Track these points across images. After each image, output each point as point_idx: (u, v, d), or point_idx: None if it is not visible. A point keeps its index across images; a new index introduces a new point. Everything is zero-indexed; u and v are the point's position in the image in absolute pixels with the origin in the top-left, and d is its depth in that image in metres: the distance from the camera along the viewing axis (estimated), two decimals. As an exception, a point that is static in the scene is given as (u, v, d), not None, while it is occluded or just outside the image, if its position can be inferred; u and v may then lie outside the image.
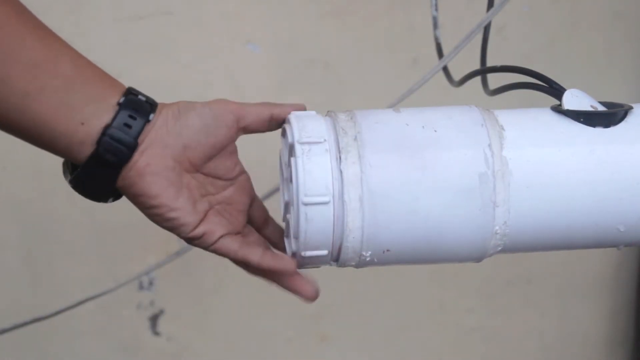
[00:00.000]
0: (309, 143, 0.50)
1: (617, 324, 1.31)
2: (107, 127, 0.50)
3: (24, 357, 1.19)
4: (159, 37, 1.08)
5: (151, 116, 0.52)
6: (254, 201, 0.57)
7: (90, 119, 0.50)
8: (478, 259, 0.53)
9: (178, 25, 1.08)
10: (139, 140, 0.51)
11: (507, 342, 1.29)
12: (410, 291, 1.24)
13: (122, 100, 0.51)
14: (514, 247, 0.53)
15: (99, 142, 0.50)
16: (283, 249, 0.56)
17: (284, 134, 0.54)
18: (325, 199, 0.49)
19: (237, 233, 0.55)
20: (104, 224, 1.13)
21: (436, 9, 0.76)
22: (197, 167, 0.53)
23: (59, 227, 1.13)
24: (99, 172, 0.51)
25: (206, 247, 0.54)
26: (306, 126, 0.51)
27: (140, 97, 0.52)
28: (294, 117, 0.52)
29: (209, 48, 1.10)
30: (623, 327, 1.31)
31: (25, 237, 1.14)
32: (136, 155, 0.51)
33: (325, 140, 0.50)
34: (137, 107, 0.51)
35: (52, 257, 1.15)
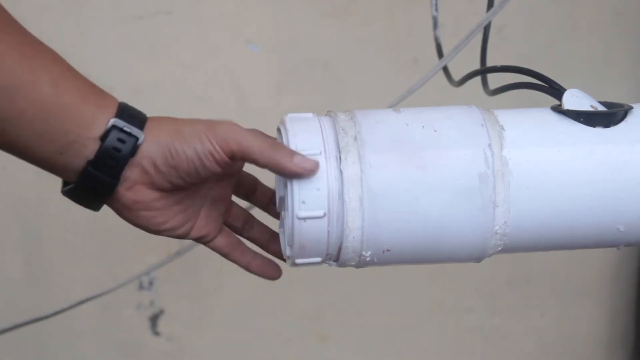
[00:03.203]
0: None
1: (617, 324, 1.31)
2: (89, 162, 0.49)
3: (24, 357, 1.19)
4: (158, 37, 1.08)
5: (140, 141, 0.49)
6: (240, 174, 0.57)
7: (68, 150, 0.48)
8: (478, 258, 0.53)
9: (178, 25, 1.08)
10: (124, 175, 0.50)
11: (507, 342, 1.29)
12: (410, 291, 1.24)
13: (104, 132, 0.48)
14: (514, 247, 0.53)
15: (81, 175, 0.49)
16: (272, 250, 0.58)
17: (279, 130, 0.54)
18: (320, 213, 0.49)
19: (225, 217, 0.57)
20: (104, 223, 1.13)
21: (436, 9, 0.76)
22: (186, 189, 0.53)
23: (59, 227, 1.13)
24: (86, 196, 0.51)
25: (205, 245, 0.56)
26: (302, 135, 0.50)
27: (125, 128, 0.49)
28: (289, 120, 0.52)
29: (209, 48, 1.10)
30: (623, 327, 1.31)
31: (25, 237, 1.14)
32: (121, 190, 0.50)
33: (321, 152, 0.50)
34: (122, 140, 0.49)
35: (52, 257, 1.15)
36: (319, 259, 0.52)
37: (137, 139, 0.49)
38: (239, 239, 0.57)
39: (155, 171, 0.50)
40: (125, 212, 0.52)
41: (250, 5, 1.09)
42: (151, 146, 0.50)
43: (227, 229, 0.57)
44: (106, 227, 1.13)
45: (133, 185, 0.50)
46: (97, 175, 0.49)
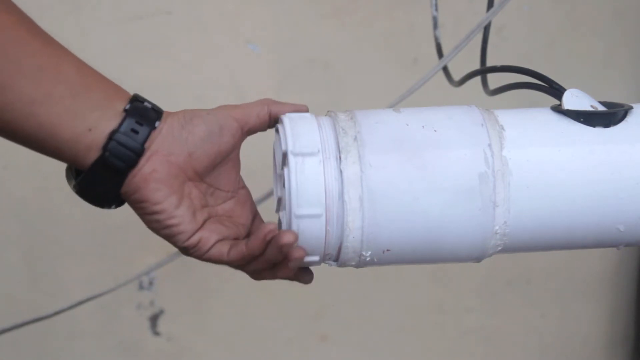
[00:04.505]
0: (302, 155, 0.50)
1: (617, 324, 1.31)
2: (114, 132, 0.50)
3: (23, 357, 1.19)
4: (158, 37, 1.08)
5: (157, 123, 0.52)
6: (255, 218, 0.57)
7: (97, 125, 0.50)
8: (478, 258, 0.53)
9: (178, 25, 1.08)
10: (145, 146, 0.51)
11: (507, 342, 1.29)
12: (410, 291, 1.24)
13: (128, 106, 0.51)
14: (514, 247, 0.53)
15: (106, 147, 0.50)
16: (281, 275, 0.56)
17: (277, 131, 0.54)
18: (318, 211, 0.49)
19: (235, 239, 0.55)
20: (104, 223, 1.13)
21: (436, 9, 0.76)
22: (200, 176, 0.54)
23: (59, 226, 1.13)
24: (104, 177, 0.51)
25: (201, 256, 0.54)
26: (300, 135, 0.51)
27: (146, 104, 0.52)
28: (287, 120, 0.52)
29: (209, 48, 1.10)
30: (623, 327, 1.31)
31: (25, 236, 1.14)
32: (142, 161, 0.51)
33: (319, 150, 0.50)
34: (143, 113, 0.52)
35: (52, 257, 1.15)
36: (317, 258, 0.52)
37: (157, 111, 0.53)
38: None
39: (172, 139, 0.52)
40: (143, 187, 0.51)
41: (250, 5, 1.09)
42: (168, 117, 0.53)
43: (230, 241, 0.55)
44: (106, 227, 1.13)
45: (153, 155, 0.52)
46: (123, 143, 0.50)
